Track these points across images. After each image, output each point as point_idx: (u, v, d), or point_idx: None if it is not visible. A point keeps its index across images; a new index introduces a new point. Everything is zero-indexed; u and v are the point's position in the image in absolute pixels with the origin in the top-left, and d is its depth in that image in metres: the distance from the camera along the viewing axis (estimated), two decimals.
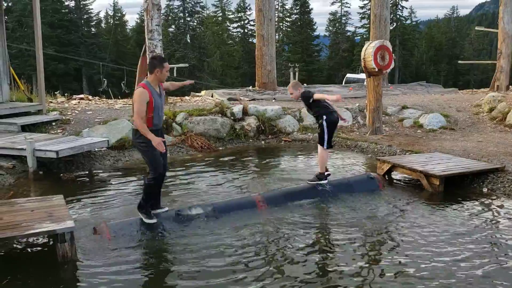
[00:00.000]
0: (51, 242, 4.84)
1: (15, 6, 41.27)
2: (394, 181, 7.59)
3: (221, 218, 5.64)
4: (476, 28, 29.01)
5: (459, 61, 30.30)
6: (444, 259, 4.57)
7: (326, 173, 6.60)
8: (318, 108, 6.47)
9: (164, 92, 5.49)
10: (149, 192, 5.32)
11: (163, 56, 12.04)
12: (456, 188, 6.94)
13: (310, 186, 6.61)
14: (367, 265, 4.51)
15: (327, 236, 5.26)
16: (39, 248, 4.90)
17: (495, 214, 5.96)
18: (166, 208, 5.61)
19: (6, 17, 29.49)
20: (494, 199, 6.48)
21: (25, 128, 9.36)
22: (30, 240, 4.96)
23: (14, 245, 4.89)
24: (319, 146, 6.58)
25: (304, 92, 6.58)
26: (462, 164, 7.38)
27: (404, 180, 7.61)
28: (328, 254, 4.78)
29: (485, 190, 6.87)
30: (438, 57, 56.70)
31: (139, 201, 5.38)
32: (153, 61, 5.29)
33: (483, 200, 6.47)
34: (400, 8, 54.51)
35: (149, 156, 5.21)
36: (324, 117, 6.40)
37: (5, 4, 38.05)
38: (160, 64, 5.15)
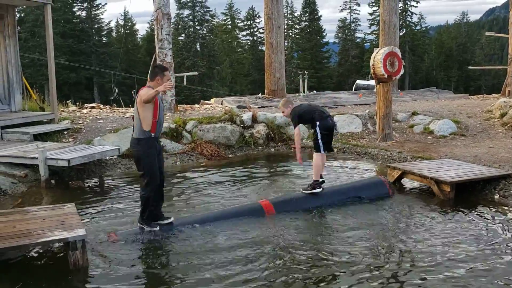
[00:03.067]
0: (63, 250, 4.88)
1: (27, 17, 41.89)
2: (405, 188, 7.56)
3: (228, 224, 5.66)
4: (487, 33, 28.90)
5: (470, 67, 30.11)
6: (459, 270, 4.51)
7: (320, 180, 6.54)
8: (310, 118, 6.51)
9: (166, 95, 5.61)
10: (147, 203, 5.31)
11: (172, 64, 12.16)
12: (467, 195, 6.89)
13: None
14: (377, 273, 4.49)
15: (334, 245, 5.21)
16: (51, 256, 4.95)
17: (508, 221, 5.89)
18: (172, 219, 5.55)
19: (19, 28, 30.01)
20: (506, 206, 6.41)
21: (37, 137, 9.47)
22: (43, 247, 5.01)
23: (27, 253, 4.94)
24: (314, 154, 6.52)
25: (292, 112, 6.54)
26: (473, 170, 7.32)
27: (414, 187, 7.57)
28: (335, 262, 4.75)
29: (496, 196, 6.80)
30: (449, 62, 56.35)
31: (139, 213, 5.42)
32: (155, 69, 5.40)
33: (495, 206, 6.40)
34: (410, 14, 54.40)
35: (146, 165, 5.22)
36: (318, 123, 6.41)
37: (18, 15, 38.66)
38: (161, 72, 5.26)
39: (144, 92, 5.14)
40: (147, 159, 5.21)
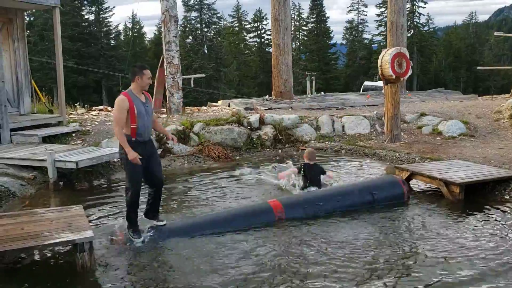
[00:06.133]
0: (71, 252, 4.89)
1: (36, 21, 42.26)
2: (413, 189, 7.50)
3: (235, 227, 5.63)
4: (496, 33, 28.66)
5: (478, 68, 29.82)
6: (469, 272, 4.47)
7: None
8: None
9: (152, 104, 5.35)
10: (131, 209, 5.19)
11: (179, 66, 12.17)
12: (477, 196, 6.82)
13: (329, 192, 6.58)
14: (386, 275, 4.45)
15: (344, 248, 5.19)
16: (59, 258, 4.96)
17: None
18: (164, 222, 5.43)
19: (28, 32, 30.29)
20: None
21: (46, 140, 9.53)
22: (50, 249, 5.02)
23: (35, 255, 4.96)
24: None
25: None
26: (483, 171, 7.25)
27: (423, 188, 7.51)
28: (343, 264, 4.72)
29: (507, 197, 6.72)
30: (457, 63, 55.99)
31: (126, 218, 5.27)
32: (133, 69, 5.19)
33: (505, 208, 6.33)
34: (417, 15, 54.16)
35: (128, 170, 5.09)
36: None
37: (27, 19, 39.02)
38: (140, 71, 5.08)
39: (117, 110, 4.92)
40: (127, 163, 5.02)
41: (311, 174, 7.11)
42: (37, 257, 4.93)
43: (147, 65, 5.31)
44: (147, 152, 5.19)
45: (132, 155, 4.90)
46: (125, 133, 5.02)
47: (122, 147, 5.04)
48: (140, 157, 5.00)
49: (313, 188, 6.93)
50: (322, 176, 7.22)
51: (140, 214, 5.40)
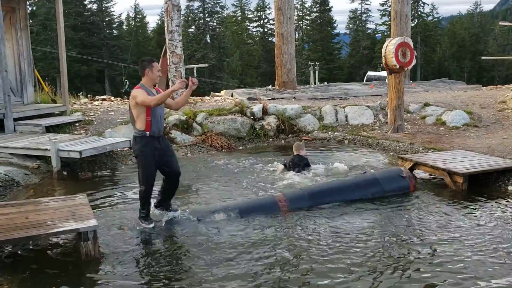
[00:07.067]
0: (75, 241, 4.92)
1: (39, 10, 42.10)
2: (417, 179, 7.48)
3: (239, 220, 5.63)
4: (500, 23, 28.38)
5: (483, 57, 29.63)
6: (472, 263, 4.48)
7: None
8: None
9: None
10: (144, 200, 5.32)
11: (182, 56, 12.15)
12: (481, 187, 6.81)
13: (335, 184, 6.62)
14: (393, 266, 4.46)
15: (346, 243, 5.19)
16: (63, 247, 4.99)
17: None
18: (179, 211, 5.53)
19: (30, 21, 30.21)
20: None
21: (49, 129, 9.54)
22: (55, 238, 5.06)
23: (39, 243, 4.99)
24: None
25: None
26: (487, 162, 7.23)
27: (427, 178, 7.50)
28: (349, 256, 4.74)
29: (510, 188, 6.72)
30: (461, 53, 55.59)
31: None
32: (142, 63, 5.24)
33: (508, 198, 6.33)
34: (422, 4, 53.67)
35: (142, 166, 5.20)
36: None
37: (30, 9, 38.88)
38: (149, 64, 5.14)
39: (140, 94, 5.00)
40: (142, 157, 5.17)
41: (293, 164, 7.70)
42: (41, 247, 4.96)
43: (154, 58, 5.35)
44: (161, 146, 5.26)
45: (176, 85, 5.08)
46: (139, 129, 5.12)
47: (136, 143, 5.15)
48: (155, 152, 5.13)
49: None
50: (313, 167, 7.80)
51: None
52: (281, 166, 7.87)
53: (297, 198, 6.13)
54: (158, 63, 5.31)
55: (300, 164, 7.65)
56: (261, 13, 57.00)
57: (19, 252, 4.79)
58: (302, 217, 5.73)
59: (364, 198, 6.35)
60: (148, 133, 5.09)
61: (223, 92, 16.66)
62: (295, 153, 7.86)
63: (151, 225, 5.33)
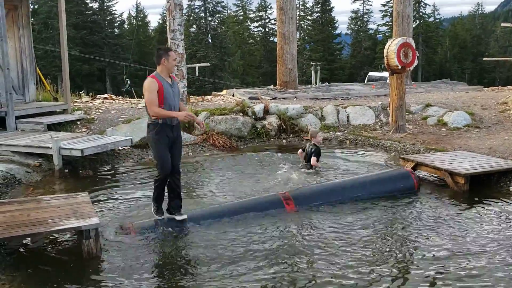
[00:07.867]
0: (77, 239, 4.92)
1: (41, 8, 42.11)
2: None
3: (243, 219, 5.62)
4: (502, 24, 28.31)
5: (484, 59, 29.64)
6: (474, 263, 4.47)
7: None
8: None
9: (178, 85, 5.40)
10: (157, 190, 5.32)
11: (183, 55, 12.13)
12: (482, 187, 6.81)
13: (343, 183, 6.64)
14: (394, 266, 4.47)
15: (349, 243, 5.20)
16: (65, 244, 5.00)
17: None
18: (185, 216, 5.41)
19: (32, 19, 30.16)
20: None
21: (51, 127, 9.55)
22: (57, 236, 5.06)
23: (41, 241, 4.99)
24: None
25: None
26: (488, 163, 7.23)
27: (428, 179, 7.50)
28: (351, 254, 4.74)
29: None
30: (463, 54, 55.56)
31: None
32: (158, 52, 5.22)
33: (510, 199, 6.32)
34: (423, 5, 53.64)
35: (157, 152, 5.18)
36: None
37: (32, 7, 38.88)
38: (165, 53, 5.13)
39: (149, 90, 4.99)
40: (154, 144, 5.19)
41: (307, 153, 7.97)
42: (43, 244, 4.96)
43: (172, 48, 5.30)
44: (173, 135, 5.25)
45: (182, 115, 5.10)
46: (152, 116, 5.11)
47: (151, 130, 5.14)
48: (167, 140, 5.14)
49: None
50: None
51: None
52: (300, 150, 8.27)
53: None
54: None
55: (307, 153, 7.95)
56: (263, 13, 56.98)
57: (21, 250, 4.80)
58: (304, 217, 5.74)
59: (368, 196, 6.35)
60: (160, 121, 5.09)
61: (224, 91, 16.66)
62: (312, 141, 8.09)
63: (162, 217, 5.36)
